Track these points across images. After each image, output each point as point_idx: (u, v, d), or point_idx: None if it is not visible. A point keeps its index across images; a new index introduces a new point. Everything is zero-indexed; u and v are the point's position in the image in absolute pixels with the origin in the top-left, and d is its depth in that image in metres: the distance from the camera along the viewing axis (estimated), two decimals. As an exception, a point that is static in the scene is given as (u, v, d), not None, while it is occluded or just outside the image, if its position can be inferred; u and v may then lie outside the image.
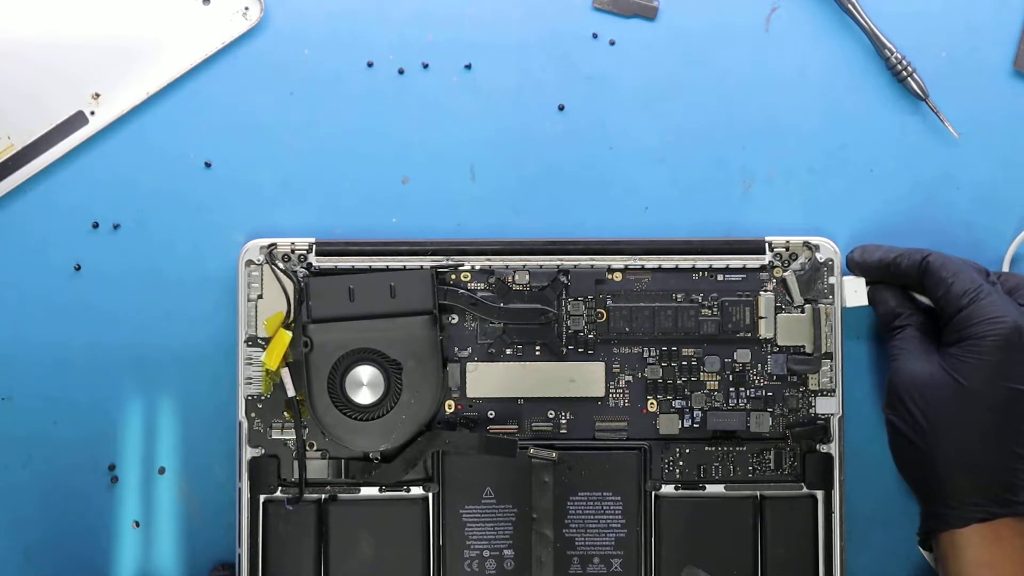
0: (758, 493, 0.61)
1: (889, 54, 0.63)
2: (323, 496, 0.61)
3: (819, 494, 0.61)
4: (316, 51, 0.64)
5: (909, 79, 0.63)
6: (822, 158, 0.64)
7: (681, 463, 0.61)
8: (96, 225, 0.63)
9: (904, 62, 0.63)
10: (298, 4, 0.63)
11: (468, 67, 0.64)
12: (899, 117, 0.64)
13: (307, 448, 0.61)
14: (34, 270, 0.63)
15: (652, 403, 0.62)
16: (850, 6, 0.63)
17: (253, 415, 0.61)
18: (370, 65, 0.64)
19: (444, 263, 0.61)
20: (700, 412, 0.62)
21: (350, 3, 0.64)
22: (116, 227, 0.63)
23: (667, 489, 0.61)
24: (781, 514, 0.61)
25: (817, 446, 0.61)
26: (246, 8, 0.63)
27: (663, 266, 0.61)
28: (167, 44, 0.63)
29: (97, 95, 0.62)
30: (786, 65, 0.64)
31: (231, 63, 0.63)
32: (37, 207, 0.63)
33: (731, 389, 0.62)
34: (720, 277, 0.62)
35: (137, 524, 0.63)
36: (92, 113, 0.62)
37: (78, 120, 0.62)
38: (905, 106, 0.64)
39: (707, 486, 0.61)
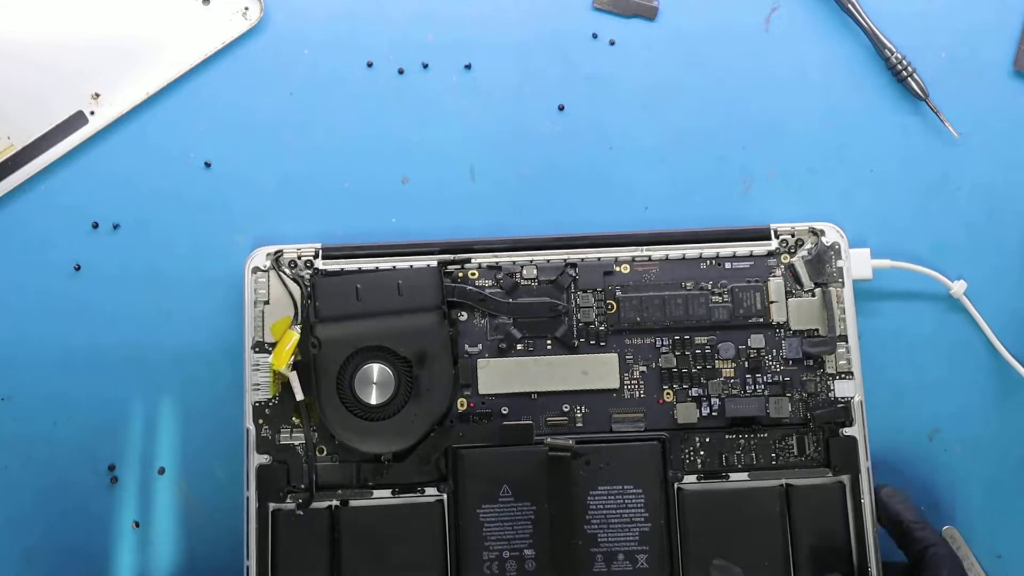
0: (784, 482, 0.60)
1: (889, 54, 0.63)
2: (335, 503, 0.59)
3: (846, 479, 0.59)
4: (316, 51, 0.63)
5: (909, 79, 0.63)
6: (822, 158, 0.64)
7: (702, 452, 0.60)
8: (96, 225, 0.63)
9: (904, 62, 0.63)
10: (298, 4, 0.63)
11: (468, 67, 0.64)
12: (899, 117, 0.64)
13: (317, 452, 0.60)
14: (34, 270, 0.63)
15: (668, 393, 0.60)
16: (850, 6, 0.63)
17: (260, 421, 0.60)
18: (370, 65, 0.64)
19: (451, 259, 0.60)
20: (718, 400, 0.60)
21: (350, 3, 0.64)
22: (116, 227, 0.63)
23: (690, 480, 0.60)
24: (809, 502, 0.59)
25: (840, 430, 0.60)
26: (246, 8, 0.63)
27: (670, 256, 0.61)
28: (167, 44, 0.63)
29: (97, 95, 0.62)
30: (786, 65, 0.64)
31: (231, 63, 0.63)
32: (37, 207, 0.63)
33: (747, 375, 0.60)
34: (728, 265, 0.61)
35: (137, 524, 0.63)
36: (92, 113, 0.62)
37: (78, 120, 0.62)
38: (905, 106, 0.64)
39: (730, 474, 0.60)
